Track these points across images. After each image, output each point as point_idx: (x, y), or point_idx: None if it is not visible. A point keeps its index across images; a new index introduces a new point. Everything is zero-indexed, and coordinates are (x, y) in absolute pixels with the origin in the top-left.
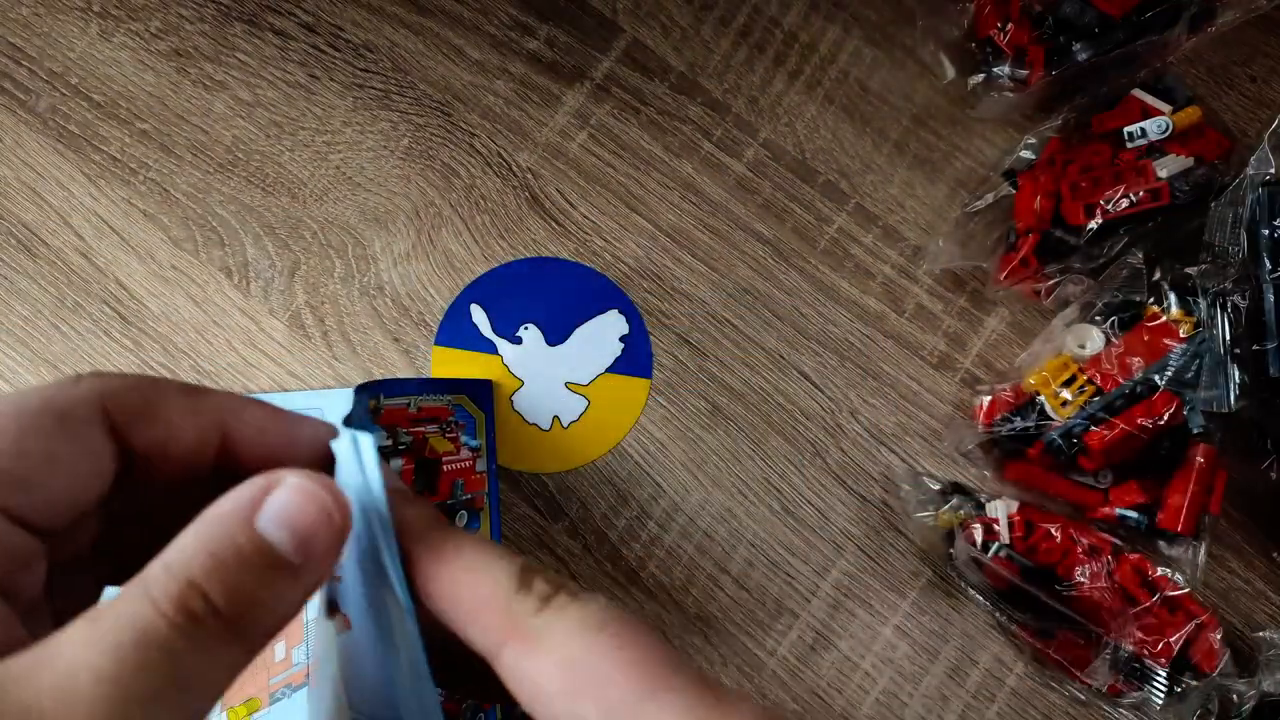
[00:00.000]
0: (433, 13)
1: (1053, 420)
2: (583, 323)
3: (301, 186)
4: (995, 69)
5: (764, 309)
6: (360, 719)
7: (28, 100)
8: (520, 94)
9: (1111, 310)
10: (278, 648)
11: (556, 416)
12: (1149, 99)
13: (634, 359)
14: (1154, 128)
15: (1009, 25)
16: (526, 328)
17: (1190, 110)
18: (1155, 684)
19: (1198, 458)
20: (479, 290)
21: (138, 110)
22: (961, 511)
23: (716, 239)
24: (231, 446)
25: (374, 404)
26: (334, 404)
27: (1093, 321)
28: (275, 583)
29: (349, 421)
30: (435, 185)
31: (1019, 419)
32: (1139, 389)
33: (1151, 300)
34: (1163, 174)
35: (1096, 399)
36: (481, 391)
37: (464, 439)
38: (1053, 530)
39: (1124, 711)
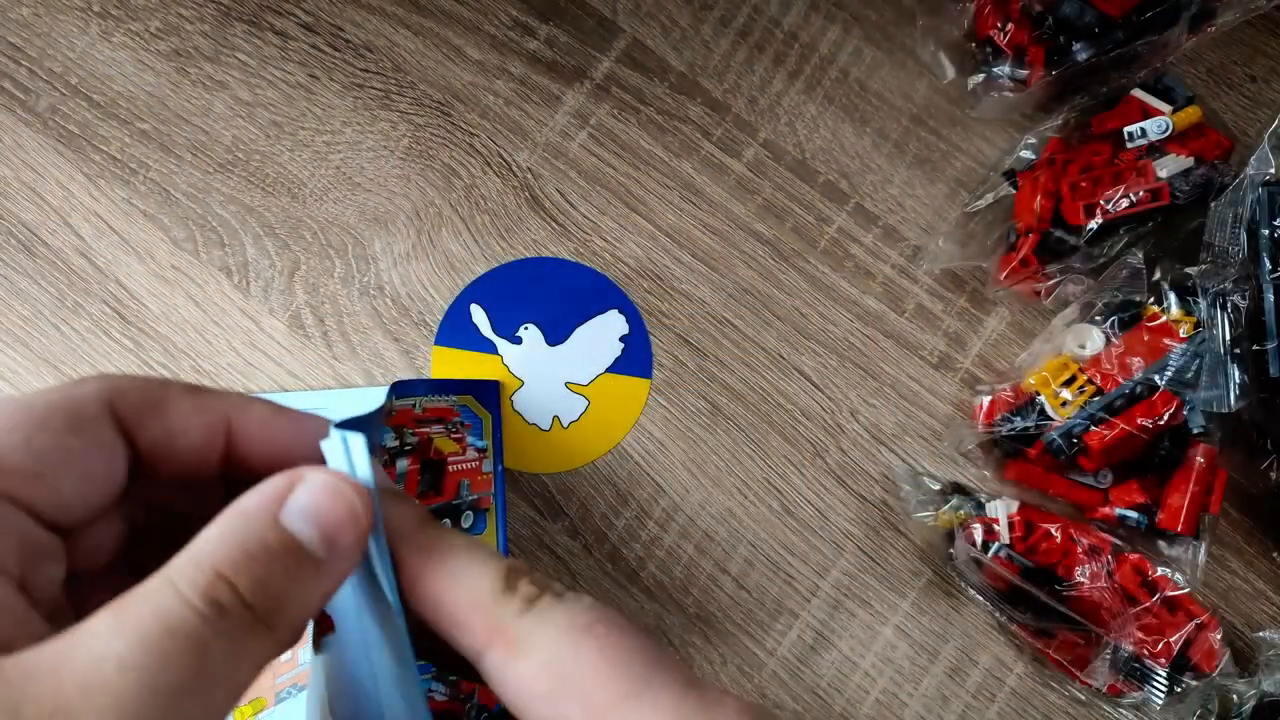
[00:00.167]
0: (433, 13)
1: (1053, 420)
2: (583, 323)
3: (301, 186)
4: (995, 69)
5: (764, 309)
6: None
7: (27, 100)
8: (520, 94)
9: (1111, 310)
10: None
11: (556, 416)
12: (1149, 99)
13: (634, 359)
14: (1154, 128)
15: (1009, 25)
16: (526, 328)
17: (1190, 110)
18: (1155, 684)
19: (1198, 458)
20: (479, 290)
21: (138, 110)
22: (961, 511)
23: (716, 239)
24: (237, 445)
25: (388, 405)
26: (340, 404)
27: (1093, 321)
28: (302, 577)
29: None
30: (435, 185)
31: (1019, 419)
32: (1139, 389)
33: (1151, 300)
34: (1163, 174)
35: (1096, 399)
36: (489, 392)
37: (470, 439)
38: (1053, 530)
39: (1124, 711)
